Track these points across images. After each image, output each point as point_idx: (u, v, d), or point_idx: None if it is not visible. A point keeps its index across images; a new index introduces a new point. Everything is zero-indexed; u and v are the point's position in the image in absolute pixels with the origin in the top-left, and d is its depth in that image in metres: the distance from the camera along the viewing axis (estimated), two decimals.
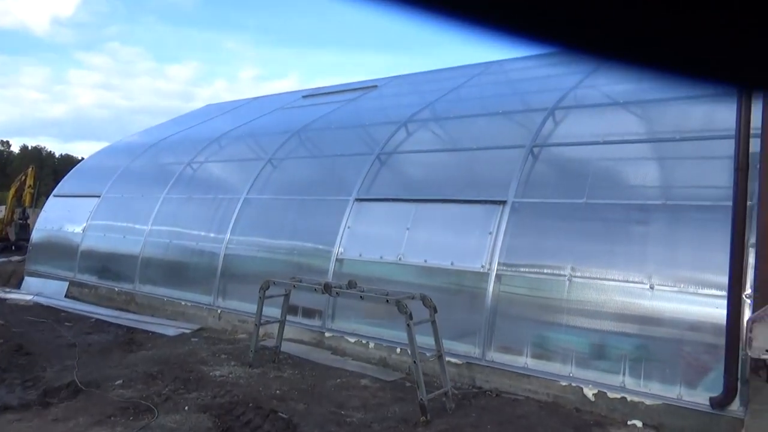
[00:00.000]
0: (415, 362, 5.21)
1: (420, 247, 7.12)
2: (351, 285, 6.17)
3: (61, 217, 13.09)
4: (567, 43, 0.56)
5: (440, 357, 5.54)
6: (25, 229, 18.85)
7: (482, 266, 6.50)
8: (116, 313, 10.03)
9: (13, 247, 19.01)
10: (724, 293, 5.00)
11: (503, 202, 6.69)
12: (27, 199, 19.82)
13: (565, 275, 5.93)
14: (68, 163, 48.74)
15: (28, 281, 12.66)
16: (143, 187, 11.90)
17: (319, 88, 14.52)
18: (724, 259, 5.14)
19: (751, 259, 5.04)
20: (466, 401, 5.79)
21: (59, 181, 15.17)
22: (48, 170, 52.18)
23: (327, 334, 7.68)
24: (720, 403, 4.77)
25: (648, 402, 5.23)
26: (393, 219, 7.61)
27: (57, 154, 79.48)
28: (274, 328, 7.59)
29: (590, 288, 5.77)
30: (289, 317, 7.28)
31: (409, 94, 11.78)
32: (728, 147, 5.66)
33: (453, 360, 6.30)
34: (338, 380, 6.52)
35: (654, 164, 6.18)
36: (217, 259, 9.35)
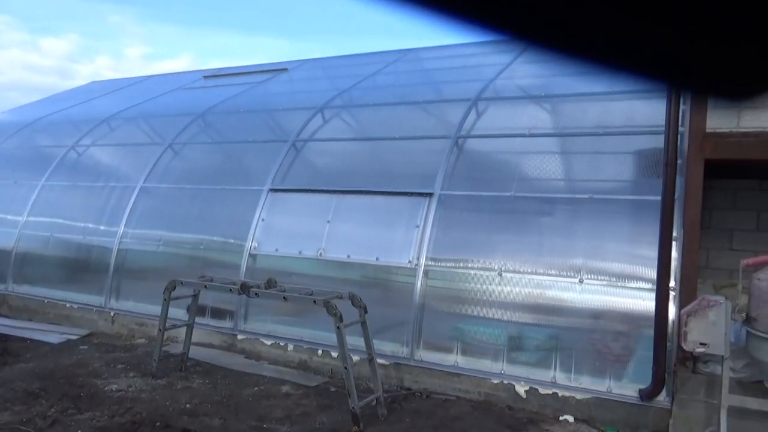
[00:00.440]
0: (346, 368, 4.82)
1: (342, 242, 6.71)
2: (270, 284, 5.64)
3: None
4: (495, 24, 0.55)
5: (371, 360, 5.19)
6: None
7: (409, 261, 6.22)
8: None
9: None
10: (653, 287, 5.07)
11: (430, 195, 6.44)
12: None
13: (495, 269, 5.80)
14: None
15: None
16: (16, 172, 10.43)
17: (221, 68, 13.54)
18: (648, 252, 5.22)
19: (674, 252, 5.16)
20: (397, 405, 5.50)
21: None
22: None
23: (239, 337, 7.07)
24: (649, 394, 4.84)
25: (579, 396, 5.22)
26: (312, 211, 7.13)
27: None
28: (179, 332, 6.87)
29: (520, 282, 5.67)
30: (196, 319, 6.59)
31: (322, 78, 11.25)
32: (647, 142, 5.78)
33: (380, 361, 5.96)
34: (256, 388, 5.98)
35: (580, 158, 6.20)
36: (109, 254, 8.35)
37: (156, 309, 7.62)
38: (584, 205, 5.69)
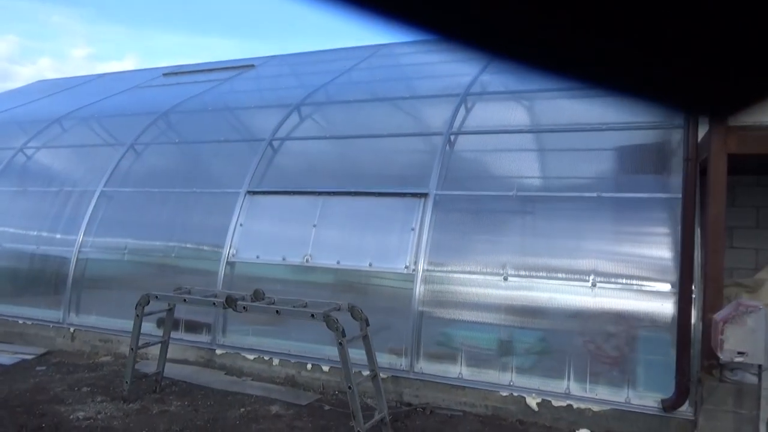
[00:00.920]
0: (350, 387, 4.36)
1: (331, 247, 6.23)
2: (258, 296, 5.12)
3: None
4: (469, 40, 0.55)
5: (375, 377, 4.75)
6: None
7: (406, 266, 5.80)
8: None
9: None
10: (670, 290, 4.82)
11: (425, 195, 6.04)
12: None
13: (500, 274, 5.44)
14: None
15: None
16: None
17: (181, 65, 12.80)
18: (665, 253, 4.98)
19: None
20: (400, 423, 5.07)
21: None
22: None
23: (218, 351, 6.49)
24: (672, 405, 4.57)
25: (595, 408, 4.91)
26: (295, 215, 6.62)
27: None
28: (150, 348, 6.26)
29: (527, 287, 5.34)
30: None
31: (292, 75, 10.72)
32: (645, 137, 5.55)
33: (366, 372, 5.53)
34: (242, 409, 5.44)
35: (583, 155, 5.92)
36: (67, 265, 7.60)
37: (123, 323, 7.00)
38: (592, 203, 5.41)
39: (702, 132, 4.69)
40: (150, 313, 5.65)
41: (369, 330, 4.75)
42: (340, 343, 4.38)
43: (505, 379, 5.25)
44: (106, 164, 8.32)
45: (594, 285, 5.09)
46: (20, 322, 7.73)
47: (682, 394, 4.54)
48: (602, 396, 4.92)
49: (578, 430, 4.89)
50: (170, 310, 5.78)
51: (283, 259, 6.40)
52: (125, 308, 7.08)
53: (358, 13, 0.52)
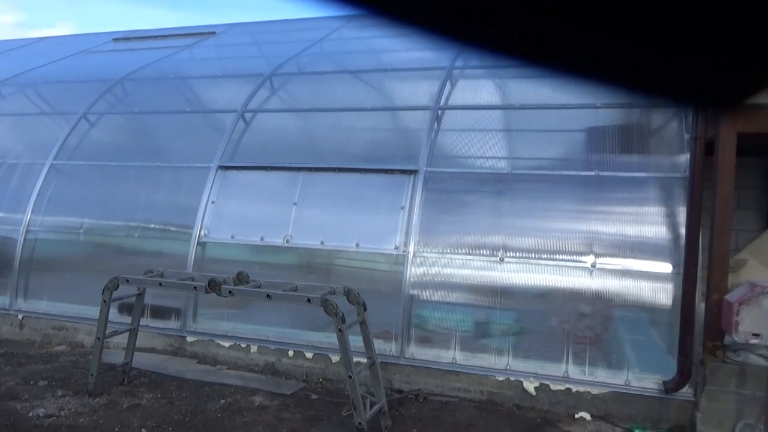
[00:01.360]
0: (350, 376, 4.06)
1: (313, 226, 5.86)
2: (242, 279, 4.72)
3: None
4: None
5: (373, 365, 4.46)
6: None
7: (396, 247, 5.51)
8: None
9: None
10: (671, 271, 4.75)
11: (414, 172, 5.74)
12: None
13: (496, 254, 5.24)
14: None
15: None
16: None
17: (133, 31, 11.90)
18: (665, 234, 4.89)
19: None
20: (395, 411, 4.82)
21: None
22: None
23: (189, 339, 6.04)
24: (675, 387, 4.51)
25: (594, 391, 4.82)
26: (273, 192, 6.20)
27: None
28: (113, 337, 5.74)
29: (525, 268, 5.16)
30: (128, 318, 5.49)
31: (256, 44, 10.12)
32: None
33: (363, 360, 5.24)
34: (222, 401, 5.05)
35: (578, 135, 5.75)
36: (13, 246, 6.90)
37: (80, 309, 6.46)
38: (591, 182, 5.26)
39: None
40: (119, 298, 5.15)
41: (366, 315, 4.45)
42: (340, 330, 4.06)
43: (501, 363, 5.08)
44: (56, 135, 7.58)
45: (593, 266, 4.96)
46: None
47: (684, 375, 4.48)
48: (601, 379, 4.83)
49: (577, 413, 4.78)
50: (140, 295, 5.28)
51: (261, 239, 5.98)
52: (82, 293, 6.51)
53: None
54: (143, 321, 6.07)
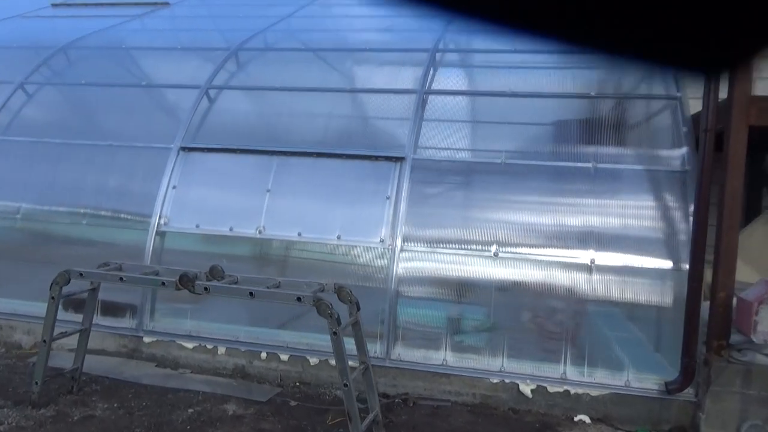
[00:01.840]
0: (346, 384, 3.64)
1: (289, 216, 5.36)
2: (215, 274, 4.20)
3: None
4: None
5: (367, 369, 4.05)
6: None
7: (381, 240, 5.10)
8: None
9: None
10: (673, 267, 4.58)
11: (400, 159, 5.34)
12: None
13: (489, 249, 4.92)
14: None
15: None
16: None
17: None
18: (670, 229, 4.71)
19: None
20: (384, 418, 4.42)
21: None
22: None
23: (147, 339, 5.43)
24: (679, 387, 4.34)
25: (593, 393, 4.59)
26: (244, 177, 5.65)
27: None
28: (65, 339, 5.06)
29: (520, 264, 4.87)
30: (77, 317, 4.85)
31: (215, 17, 9.36)
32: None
33: (356, 365, 4.82)
34: (190, 410, 4.51)
35: (575, 125, 5.50)
36: None
37: (17, 305, 5.75)
38: (587, 174, 5.02)
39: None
40: (70, 294, 4.51)
41: (359, 315, 4.03)
42: (335, 333, 3.63)
43: (495, 364, 4.78)
44: None
45: (592, 263, 4.73)
46: None
47: (688, 375, 4.32)
48: (600, 380, 4.61)
49: (576, 416, 4.55)
50: (93, 291, 4.65)
51: (231, 229, 5.43)
52: (20, 286, 5.78)
53: None
54: (94, 319, 5.42)
